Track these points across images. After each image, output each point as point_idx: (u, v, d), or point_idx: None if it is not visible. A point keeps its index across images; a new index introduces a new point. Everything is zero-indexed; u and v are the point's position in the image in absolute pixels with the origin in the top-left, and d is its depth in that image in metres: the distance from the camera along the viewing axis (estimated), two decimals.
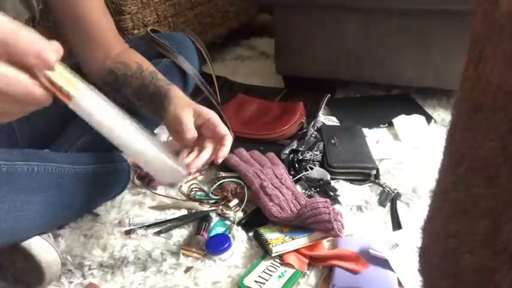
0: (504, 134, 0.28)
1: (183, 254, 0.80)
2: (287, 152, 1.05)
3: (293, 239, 0.77)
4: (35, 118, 0.93)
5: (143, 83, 0.86)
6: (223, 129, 0.81)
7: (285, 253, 0.76)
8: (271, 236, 0.79)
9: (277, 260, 0.76)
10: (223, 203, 0.92)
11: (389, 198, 0.91)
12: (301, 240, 0.77)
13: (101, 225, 0.89)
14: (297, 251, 0.77)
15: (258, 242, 0.81)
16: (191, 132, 0.78)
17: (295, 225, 0.81)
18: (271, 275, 0.73)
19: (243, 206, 0.91)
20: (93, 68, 0.90)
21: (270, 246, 0.76)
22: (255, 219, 0.87)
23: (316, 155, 1.03)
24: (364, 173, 0.97)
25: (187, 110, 0.79)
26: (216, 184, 0.98)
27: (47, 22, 0.88)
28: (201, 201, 0.94)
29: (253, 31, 2.05)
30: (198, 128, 0.81)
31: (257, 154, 1.04)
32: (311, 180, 0.96)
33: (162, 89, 0.84)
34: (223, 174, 1.00)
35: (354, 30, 1.27)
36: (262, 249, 0.79)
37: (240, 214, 0.90)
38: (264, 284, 0.72)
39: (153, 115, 0.88)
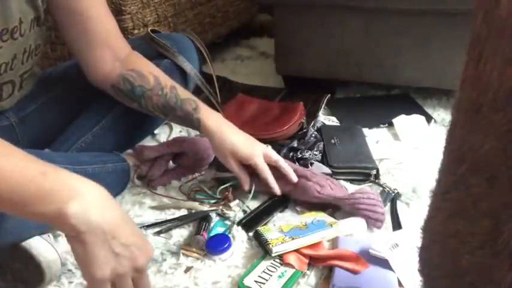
0: (504, 134, 0.28)
1: (183, 254, 0.80)
2: (285, 151, 1.05)
3: (293, 238, 0.77)
4: (35, 118, 0.93)
5: (168, 103, 0.88)
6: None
7: (285, 253, 0.76)
8: (271, 235, 0.79)
9: (277, 260, 0.76)
10: (223, 203, 0.92)
11: (389, 198, 0.91)
12: (302, 240, 0.77)
13: None
14: (297, 251, 0.77)
15: (258, 242, 0.81)
16: (246, 183, 0.92)
17: (338, 204, 0.85)
18: (271, 275, 0.73)
19: (251, 196, 0.92)
20: (100, 70, 0.88)
21: (270, 246, 0.76)
22: (255, 219, 0.87)
23: (316, 155, 1.03)
24: (364, 173, 0.97)
25: (230, 160, 0.89)
26: (224, 186, 0.96)
27: (47, 22, 0.88)
28: (201, 201, 0.94)
29: (253, 31, 2.05)
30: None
31: None
32: None
33: (192, 118, 0.89)
34: (223, 174, 0.99)
35: (354, 30, 1.27)
36: (262, 249, 0.79)
37: (240, 214, 0.90)
38: (264, 284, 0.72)
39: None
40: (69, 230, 0.51)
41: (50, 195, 0.51)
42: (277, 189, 0.89)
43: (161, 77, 0.89)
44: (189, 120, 0.90)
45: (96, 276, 0.52)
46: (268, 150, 0.92)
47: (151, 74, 0.88)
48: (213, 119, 0.89)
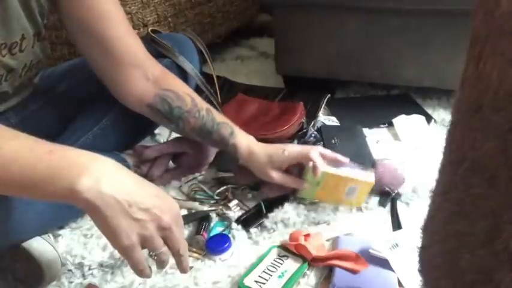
0: (504, 134, 0.28)
1: None
2: None
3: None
4: (35, 118, 0.93)
5: (205, 127, 0.88)
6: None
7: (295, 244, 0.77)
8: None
9: (278, 260, 0.76)
10: (222, 203, 0.92)
11: (389, 198, 0.91)
12: (341, 171, 0.85)
13: None
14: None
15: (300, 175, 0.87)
16: (297, 184, 0.88)
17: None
18: (271, 275, 0.73)
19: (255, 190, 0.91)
20: (132, 91, 0.85)
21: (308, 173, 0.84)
22: (255, 217, 0.87)
23: None
24: None
25: (272, 173, 0.87)
26: (223, 188, 0.96)
27: (47, 22, 0.88)
28: (201, 201, 0.94)
29: (253, 31, 2.05)
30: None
31: None
32: None
33: (228, 143, 0.88)
34: (223, 174, 1.00)
35: (354, 30, 1.27)
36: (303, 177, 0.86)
37: (240, 214, 0.90)
38: (264, 284, 0.72)
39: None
40: (85, 206, 0.53)
41: (59, 173, 0.53)
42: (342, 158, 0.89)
43: (197, 99, 0.88)
44: (225, 144, 0.89)
45: (124, 245, 0.54)
46: (313, 149, 0.88)
47: (188, 95, 0.87)
48: (247, 140, 0.89)
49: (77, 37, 0.82)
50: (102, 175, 0.54)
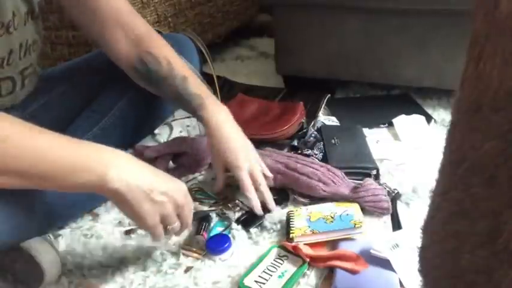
0: (504, 134, 0.28)
1: (183, 254, 0.80)
2: (286, 151, 1.05)
3: (313, 232, 0.79)
4: (38, 116, 0.93)
5: (178, 94, 0.87)
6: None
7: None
8: (298, 223, 0.81)
9: (277, 260, 0.76)
10: (222, 203, 0.92)
11: (389, 198, 0.90)
12: (320, 236, 0.79)
13: (101, 225, 0.89)
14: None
15: (286, 223, 0.84)
16: (218, 186, 0.92)
17: (347, 199, 0.87)
18: (271, 275, 0.73)
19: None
20: (118, 51, 0.87)
21: (293, 234, 0.79)
22: (255, 217, 0.87)
23: (316, 154, 1.03)
24: (364, 173, 0.97)
25: (221, 173, 0.89)
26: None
27: (47, 22, 0.88)
28: (201, 201, 0.93)
29: (253, 31, 2.05)
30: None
31: (267, 149, 1.04)
32: None
33: (197, 114, 0.88)
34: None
35: (354, 30, 1.27)
36: (286, 231, 0.82)
37: (240, 214, 0.90)
38: (264, 284, 0.72)
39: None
40: (112, 194, 0.62)
41: (88, 165, 0.61)
42: (259, 210, 0.86)
43: (175, 64, 0.87)
44: (196, 116, 0.89)
45: (150, 225, 0.66)
46: (255, 170, 0.87)
47: (166, 59, 0.86)
48: (217, 119, 0.87)
49: (64, 3, 0.85)
50: (126, 167, 0.63)
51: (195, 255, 0.80)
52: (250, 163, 0.87)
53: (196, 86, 0.89)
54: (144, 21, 0.90)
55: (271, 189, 0.90)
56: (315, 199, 0.90)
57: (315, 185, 0.88)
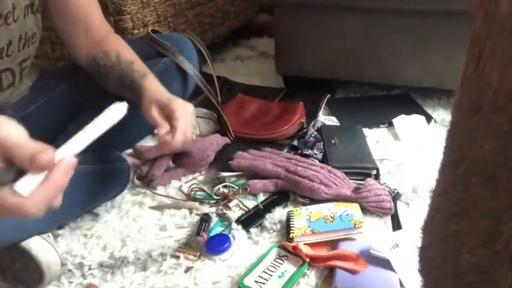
0: (504, 134, 0.28)
1: (176, 256, 0.80)
2: (286, 151, 1.05)
3: (313, 232, 0.79)
4: (35, 117, 0.93)
5: (122, 74, 0.88)
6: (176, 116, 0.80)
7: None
8: (298, 223, 0.81)
9: (277, 260, 0.76)
10: (223, 203, 0.92)
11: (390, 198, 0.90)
12: (319, 236, 0.79)
13: (101, 225, 0.89)
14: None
15: (286, 223, 0.84)
16: (162, 127, 0.80)
17: (350, 200, 0.86)
18: (271, 275, 0.73)
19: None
20: (81, 55, 0.91)
21: (293, 235, 0.79)
22: (255, 217, 0.87)
23: (316, 154, 1.03)
24: (365, 173, 0.97)
25: (152, 107, 0.82)
26: (221, 185, 0.96)
27: (47, 22, 0.88)
28: (201, 201, 0.93)
29: (253, 31, 2.05)
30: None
31: (267, 150, 1.04)
32: None
33: (137, 82, 0.86)
34: (224, 174, 0.99)
35: (354, 30, 1.27)
36: (286, 231, 0.82)
37: (240, 214, 0.90)
38: (264, 284, 0.72)
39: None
40: None
41: None
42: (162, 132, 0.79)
43: (124, 53, 0.89)
44: (134, 86, 0.85)
45: None
46: (188, 108, 0.82)
47: (114, 51, 0.89)
48: (158, 85, 0.85)
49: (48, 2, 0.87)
50: None
51: (191, 257, 0.79)
52: (185, 110, 0.82)
53: (142, 66, 0.89)
54: (110, 28, 0.94)
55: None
56: (315, 199, 0.90)
57: (317, 188, 0.88)
